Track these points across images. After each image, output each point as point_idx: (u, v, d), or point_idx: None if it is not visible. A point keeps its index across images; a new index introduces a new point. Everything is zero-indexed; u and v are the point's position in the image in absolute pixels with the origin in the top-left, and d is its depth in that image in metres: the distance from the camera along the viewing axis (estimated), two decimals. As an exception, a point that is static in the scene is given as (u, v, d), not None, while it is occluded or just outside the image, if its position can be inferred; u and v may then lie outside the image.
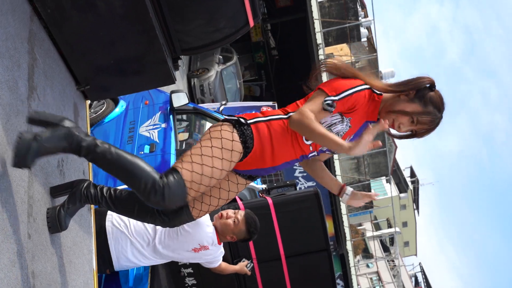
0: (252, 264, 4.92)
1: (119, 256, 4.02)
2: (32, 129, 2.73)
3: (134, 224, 4.03)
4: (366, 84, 2.77)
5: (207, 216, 4.04)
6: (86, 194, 2.96)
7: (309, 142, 2.78)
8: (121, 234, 3.98)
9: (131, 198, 2.94)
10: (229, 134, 2.73)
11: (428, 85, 2.72)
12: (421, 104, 2.71)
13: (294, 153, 2.81)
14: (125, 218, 4.07)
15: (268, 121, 2.79)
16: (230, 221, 4.05)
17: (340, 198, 3.05)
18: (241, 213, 4.10)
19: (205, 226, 3.98)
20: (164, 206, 2.69)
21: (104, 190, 2.98)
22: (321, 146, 2.83)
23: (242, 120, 2.78)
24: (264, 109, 9.62)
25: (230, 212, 4.10)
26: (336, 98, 2.69)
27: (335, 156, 16.39)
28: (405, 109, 2.71)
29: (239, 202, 5.14)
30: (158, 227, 4.00)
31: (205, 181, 2.70)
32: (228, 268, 4.62)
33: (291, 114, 2.79)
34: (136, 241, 3.98)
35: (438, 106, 2.72)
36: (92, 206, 3.77)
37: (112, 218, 4.03)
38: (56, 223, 2.87)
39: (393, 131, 2.84)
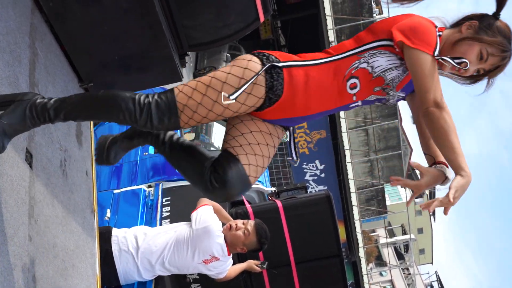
0: (266, 264, 4.86)
1: (126, 278, 4.06)
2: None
3: (142, 243, 4.04)
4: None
5: (219, 225, 4.04)
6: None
7: (353, 91, 2.51)
8: (129, 256, 4.01)
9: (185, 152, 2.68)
10: (253, 75, 2.43)
11: (492, 13, 2.49)
12: (489, 34, 2.45)
13: (331, 103, 2.54)
14: (131, 235, 4.09)
15: (306, 65, 2.50)
16: (240, 232, 4.02)
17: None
18: (251, 223, 4.08)
19: (215, 236, 3.98)
20: (154, 127, 2.44)
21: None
22: (367, 96, 2.55)
23: (275, 60, 2.49)
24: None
25: (240, 223, 4.08)
26: (434, 55, 2.37)
27: (347, 159, 16.37)
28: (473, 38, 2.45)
29: (247, 206, 5.14)
30: (168, 244, 4.01)
31: (201, 111, 2.43)
32: (235, 270, 4.61)
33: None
34: (145, 260, 4.01)
35: (508, 36, 2.47)
36: (96, 209, 3.78)
37: (118, 240, 4.05)
38: (104, 154, 2.75)
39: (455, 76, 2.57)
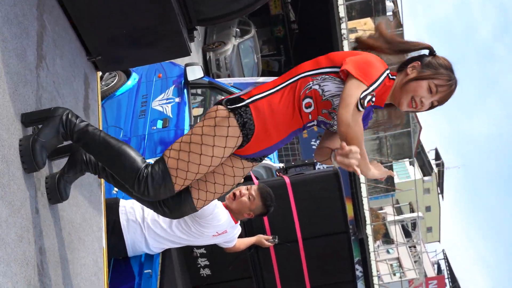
0: (276, 238, 4.88)
1: (134, 249, 4.08)
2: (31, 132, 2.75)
3: (149, 213, 4.05)
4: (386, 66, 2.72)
5: (221, 206, 4.03)
6: (86, 159, 2.92)
7: (308, 110, 2.70)
8: (137, 226, 4.02)
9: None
10: (224, 120, 2.66)
11: (428, 53, 2.76)
12: (431, 69, 2.69)
13: (297, 121, 2.73)
14: (138, 207, 4.09)
15: (267, 95, 2.71)
16: (245, 198, 4.04)
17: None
18: (254, 188, 4.09)
19: (217, 220, 3.97)
20: (151, 197, 2.69)
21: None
22: (320, 114, 2.73)
23: (239, 101, 2.70)
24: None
25: (243, 189, 4.09)
26: (369, 90, 2.57)
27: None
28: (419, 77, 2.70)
29: (255, 182, 5.14)
30: (173, 220, 4.01)
31: (193, 168, 2.66)
32: (244, 243, 4.63)
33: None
34: (152, 231, 4.02)
35: (449, 67, 2.72)
36: (103, 183, 3.79)
37: (126, 210, 4.06)
38: (56, 193, 2.83)
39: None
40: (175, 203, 2.82)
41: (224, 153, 2.69)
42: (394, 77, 2.76)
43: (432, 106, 2.77)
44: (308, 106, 2.70)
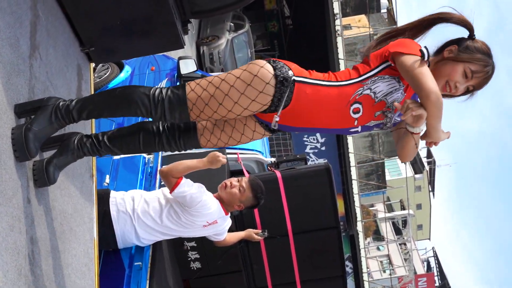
0: (265, 232, 4.88)
1: (124, 241, 4.08)
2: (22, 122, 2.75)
3: (139, 204, 4.05)
4: None
5: (211, 196, 4.03)
6: (80, 145, 2.89)
7: (355, 116, 2.71)
8: (127, 217, 4.02)
9: (131, 131, 2.92)
10: (261, 83, 2.62)
11: (467, 36, 2.71)
12: (468, 54, 2.65)
13: (332, 123, 2.73)
14: (129, 198, 4.09)
15: (315, 85, 2.68)
16: (235, 190, 4.04)
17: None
18: (245, 180, 4.10)
19: (207, 208, 3.97)
20: (168, 120, 2.73)
21: (100, 135, 2.94)
22: (368, 122, 2.74)
23: (290, 72, 2.66)
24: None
25: (234, 180, 4.09)
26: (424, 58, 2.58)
27: (349, 133, 16.35)
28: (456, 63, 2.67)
29: (246, 176, 5.15)
30: (164, 209, 4.01)
31: (207, 111, 2.68)
32: (233, 237, 4.63)
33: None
34: (142, 222, 4.02)
35: (486, 52, 2.68)
36: (94, 174, 3.79)
37: (116, 201, 4.06)
38: (44, 176, 2.76)
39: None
40: (184, 135, 2.89)
41: (243, 113, 2.69)
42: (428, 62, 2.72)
43: (467, 91, 2.74)
44: (356, 111, 2.70)
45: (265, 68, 2.65)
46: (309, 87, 2.67)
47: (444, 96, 2.68)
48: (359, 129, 2.77)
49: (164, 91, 2.70)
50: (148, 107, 2.68)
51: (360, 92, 2.67)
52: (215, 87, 2.65)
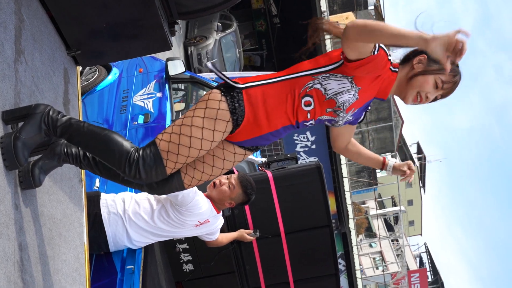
0: (257, 232, 4.87)
1: (116, 244, 4.05)
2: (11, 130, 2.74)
3: (129, 206, 4.03)
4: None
5: (202, 195, 4.02)
6: (67, 151, 2.91)
7: (307, 108, 2.72)
8: (118, 219, 3.99)
9: None
10: (215, 103, 2.67)
11: None
12: (439, 65, 2.63)
13: (289, 118, 2.74)
14: (119, 200, 4.07)
15: (262, 85, 2.72)
16: (225, 187, 4.05)
17: (385, 172, 3.13)
18: (234, 177, 4.10)
19: (198, 208, 3.96)
20: (143, 179, 2.70)
21: None
22: (320, 116, 2.76)
23: (233, 85, 2.71)
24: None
25: (223, 178, 4.09)
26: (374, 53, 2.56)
27: (339, 130, 16.36)
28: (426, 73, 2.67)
29: (235, 171, 5.14)
30: (155, 209, 4.00)
31: (183, 151, 2.67)
32: (226, 238, 4.62)
33: (298, 74, 2.72)
34: (133, 223, 4.00)
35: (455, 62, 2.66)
36: (84, 178, 3.77)
37: (107, 203, 4.03)
38: (29, 177, 2.76)
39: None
40: (163, 179, 2.83)
41: (214, 137, 2.69)
42: (396, 69, 2.75)
43: (435, 99, 2.77)
44: (307, 104, 2.71)
45: (213, 92, 2.73)
46: (256, 89, 2.71)
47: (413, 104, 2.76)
48: (313, 122, 2.79)
49: (139, 151, 2.69)
50: (122, 166, 2.68)
51: (310, 85, 2.69)
52: (179, 125, 2.69)
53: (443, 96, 2.75)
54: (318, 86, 2.68)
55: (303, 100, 2.71)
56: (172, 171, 2.73)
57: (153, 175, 2.70)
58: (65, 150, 2.90)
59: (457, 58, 2.22)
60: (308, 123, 2.79)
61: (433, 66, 2.66)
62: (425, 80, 2.67)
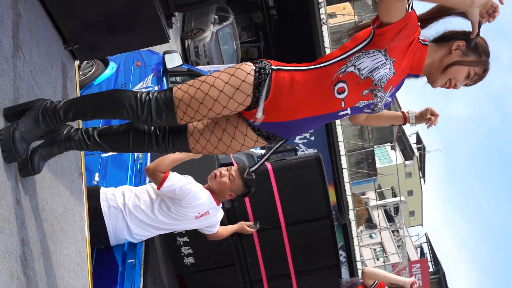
0: (258, 224, 4.87)
1: (117, 237, 4.07)
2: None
3: (129, 199, 4.05)
4: None
5: (200, 187, 4.03)
6: (68, 138, 2.88)
7: (341, 96, 2.63)
8: (118, 212, 4.01)
9: (122, 129, 2.90)
10: (242, 74, 2.64)
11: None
12: (476, 55, 2.66)
13: (318, 108, 2.67)
14: (119, 193, 4.08)
15: (293, 71, 2.67)
16: (225, 179, 4.05)
17: (409, 124, 3.16)
18: (234, 169, 4.11)
19: (197, 199, 3.98)
20: (154, 121, 2.68)
21: (90, 130, 2.91)
22: (356, 102, 2.68)
23: (266, 64, 2.68)
24: None
25: (223, 170, 4.10)
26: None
27: (337, 122, 16.40)
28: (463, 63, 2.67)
29: (234, 163, 5.15)
30: (155, 202, 4.01)
31: (194, 104, 2.64)
32: (226, 230, 4.64)
33: (328, 62, 2.65)
34: (134, 217, 4.01)
35: (488, 53, 2.70)
36: (84, 173, 3.78)
37: (107, 197, 4.05)
38: (28, 165, 2.74)
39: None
40: (173, 137, 2.85)
41: (229, 103, 2.65)
42: (426, 43, 2.70)
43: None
44: (340, 91, 2.63)
45: (246, 63, 2.70)
46: (286, 73, 2.65)
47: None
48: (348, 111, 2.70)
49: (151, 94, 2.70)
50: (135, 108, 2.66)
51: (343, 70, 2.61)
52: (201, 81, 2.67)
53: (467, 85, 2.76)
54: (352, 68, 2.60)
55: (336, 88, 2.62)
56: (181, 121, 2.69)
57: (164, 119, 2.68)
58: (67, 136, 2.88)
59: (490, 20, 2.38)
60: (343, 113, 2.71)
61: (471, 57, 2.66)
62: (460, 70, 2.67)
